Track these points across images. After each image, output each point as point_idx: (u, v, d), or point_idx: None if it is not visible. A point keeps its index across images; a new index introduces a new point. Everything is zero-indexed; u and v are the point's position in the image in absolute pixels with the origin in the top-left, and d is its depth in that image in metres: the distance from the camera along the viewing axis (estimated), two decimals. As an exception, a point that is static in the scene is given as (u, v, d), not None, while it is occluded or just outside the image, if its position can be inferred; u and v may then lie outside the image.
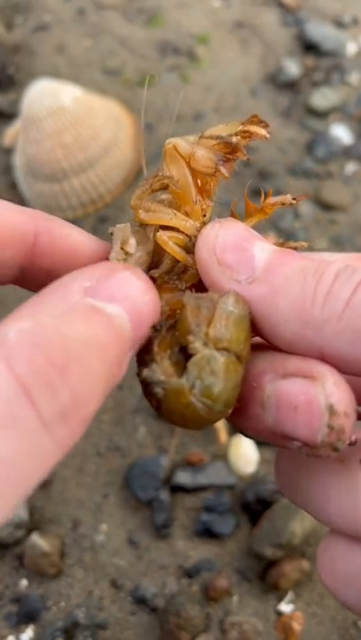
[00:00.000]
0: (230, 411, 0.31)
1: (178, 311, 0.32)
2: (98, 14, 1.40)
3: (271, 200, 0.35)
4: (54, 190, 1.08)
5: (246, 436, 0.33)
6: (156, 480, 0.83)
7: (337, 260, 0.30)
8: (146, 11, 1.41)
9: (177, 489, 0.83)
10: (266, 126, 0.33)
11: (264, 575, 0.78)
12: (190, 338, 0.30)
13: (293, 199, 0.34)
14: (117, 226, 0.33)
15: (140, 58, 1.32)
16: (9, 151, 1.18)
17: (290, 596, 0.77)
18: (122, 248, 0.32)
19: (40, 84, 1.11)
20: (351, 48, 1.37)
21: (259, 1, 1.46)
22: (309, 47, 1.35)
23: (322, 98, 1.26)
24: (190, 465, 0.85)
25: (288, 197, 0.34)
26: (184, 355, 0.31)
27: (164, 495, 0.82)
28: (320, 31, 1.36)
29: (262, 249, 0.31)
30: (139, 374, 0.32)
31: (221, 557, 0.80)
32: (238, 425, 0.32)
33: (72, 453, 0.87)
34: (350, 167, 1.18)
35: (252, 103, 1.26)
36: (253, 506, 0.81)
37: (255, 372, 0.30)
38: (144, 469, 0.84)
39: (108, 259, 0.32)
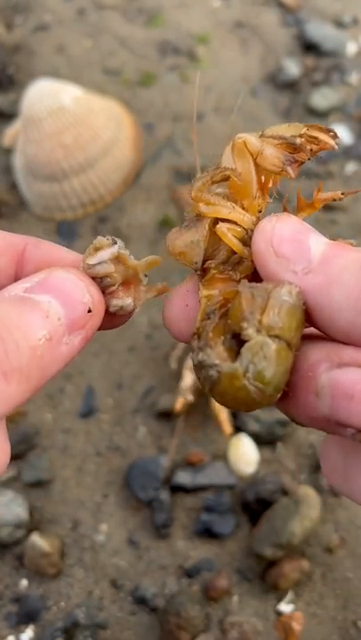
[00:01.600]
0: (279, 395, 0.32)
1: (230, 300, 0.34)
2: (98, 14, 1.40)
3: (323, 195, 0.36)
4: (54, 190, 1.08)
5: (298, 423, 0.34)
6: (156, 480, 0.83)
7: None
8: (146, 11, 1.41)
9: (177, 489, 0.83)
10: (334, 137, 0.34)
11: (264, 575, 0.78)
12: (244, 325, 0.32)
13: (342, 194, 0.36)
14: (98, 237, 0.35)
15: (140, 58, 1.32)
16: (9, 151, 1.18)
17: (290, 596, 0.77)
18: (84, 259, 0.34)
19: (40, 84, 1.11)
20: (351, 48, 1.37)
21: (259, 1, 1.46)
22: (309, 47, 1.35)
23: (322, 98, 1.26)
24: (190, 465, 0.85)
25: (338, 193, 0.36)
26: (237, 341, 0.33)
27: (164, 495, 0.82)
28: (320, 31, 1.36)
29: (318, 241, 0.33)
30: (193, 359, 0.34)
31: (221, 557, 0.80)
32: (292, 413, 0.33)
33: (72, 453, 0.87)
34: (350, 167, 1.18)
35: (252, 103, 1.26)
36: (253, 506, 0.81)
37: (311, 362, 0.32)
38: (144, 469, 0.84)
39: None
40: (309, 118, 1.24)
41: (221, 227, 0.35)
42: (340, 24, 1.41)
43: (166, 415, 0.89)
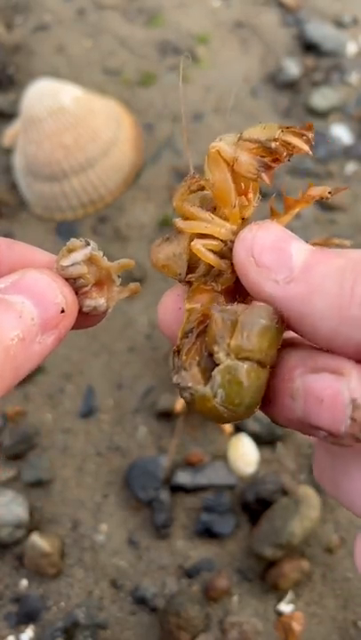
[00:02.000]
0: (256, 410, 0.33)
1: (208, 317, 0.34)
2: (98, 14, 1.40)
3: (312, 191, 0.36)
4: (54, 190, 1.08)
5: (278, 424, 0.34)
6: (156, 480, 0.83)
7: None
8: (146, 11, 1.41)
9: (177, 489, 0.83)
10: (308, 141, 0.35)
11: (264, 575, 0.78)
12: (215, 348, 0.32)
13: (329, 192, 0.36)
14: (71, 239, 0.36)
15: (140, 58, 1.32)
16: (9, 151, 1.18)
17: (290, 596, 0.77)
18: (58, 260, 0.35)
19: (40, 84, 1.11)
20: (351, 48, 1.37)
21: (259, 1, 1.46)
22: (309, 47, 1.35)
23: (322, 98, 1.26)
24: (190, 465, 0.85)
25: (326, 192, 0.36)
26: (212, 361, 0.33)
27: (164, 495, 0.82)
28: (320, 31, 1.36)
29: (300, 249, 0.32)
30: (171, 377, 0.34)
31: (221, 557, 0.80)
32: (271, 414, 0.34)
33: (72, 453, 0.87)
34: (350, 167, 1.18)
35: (252, 103, 1.26)
36: (253, 506, 0.81)
37: (288, 367, 0.32)
38: (144, 469, 0.84)
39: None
40: (309, 118, 1.24)
41: (196, 243, 0.35)
42: (340, 24, 1.41)
43: (166, 415, 0.89)
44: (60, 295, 0.34)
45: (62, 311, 0.33)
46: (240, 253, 0.33)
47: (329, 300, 0.30)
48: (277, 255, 0.32)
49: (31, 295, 0.33)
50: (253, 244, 0.33)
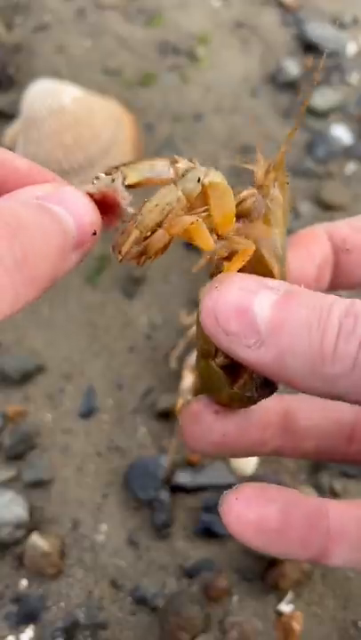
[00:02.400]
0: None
1: None
2: (98, 14, 1.40)
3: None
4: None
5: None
6: (156, 480, 0.83)
7: (337, 304, 0.31)
8: (146, 11, 1.41)
9: (177, 489, 0.83)
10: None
11: (264, 575, 0.78)
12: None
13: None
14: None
15: (140, 58, 1.32)
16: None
17: (290, 596, 0.77)
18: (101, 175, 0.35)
19: (40, 84, 1.11)
20: (351, 48, 1.37)
21: (259, 1, 1.46)
22: (309, 47, 1.35)
23: (322, 98, 1.26)
24: (190, 465, 0.85)
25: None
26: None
27: (164, 495, 0.82)
28: (320, 31, 1.36)
29: (262, 306, 0.32)
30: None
31: (221, 557, 0.80)
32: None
33: (72, 453, 0.87)
34: (350, 167, 1.18)
35: (252, 103, 1.26)
36: (253, 506, 0.81)
37: None
38: (144, 469, 0.84)
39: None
40: (309, 118, 1.24)
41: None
42: (340, 24, 1.41)
43: (166, 415, 0.89)
44: (95, 216, 0.33)
45: (94, 233, 0.33)
46: (208, 325, 0.33)
47: (301, 361, 0.30)
48: (242, 320, 0.32)
49: (73, 211, 0.32)
50: (217, 313, 0.32)
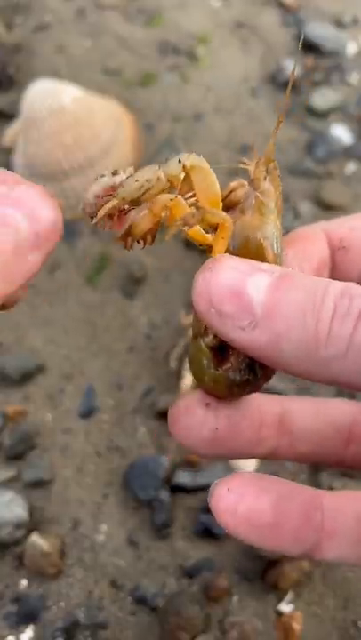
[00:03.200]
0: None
1: None
2: (98, 14, 1.40)
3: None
4: (54, 190, 1.08)
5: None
6: (156, 480, 0.83)
7: (332, 286, 0.30)
8: (146, 11, 1.41)
9: (177, 489, 0.83)
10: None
11: (264, 575, 0.78)
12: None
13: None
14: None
15: (140, 58, 1.32)
16: (9, 151, 1.18)
17: (290, 596, 0.77)
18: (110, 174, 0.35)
19: (40, 84, 1.11)
20: (351, 48, 1.37)
21: (259, 1, 1.46)
22: (309, 47, 1.35)
23: (322, 98, 1.26)
24: (190, 465, 0.85)
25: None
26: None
27: (164, 495, 0.82)
28: (320, 31, 1.36)
29: (257, 287, 0.31)
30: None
31: (221, 557, 0.80)
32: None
33: (72, 453, 0.87)
34: (350, 167, 1.18)
35: (252, 103, 1.26)
36: (253, 506, 0.81)
37: None
38: (144, 469, 0.84)
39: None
40: (309, 118, 1.24)
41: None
42: (340, 24, 1.41)
43: (166, 415, 0.89)
44: (53, 214, 0.32)
45: (50, 228, 0.32)
46: (200, 305, 0.32)
47: (296, 344, 0.30)
48: (237, 302, 0.31)
49: (25, 211, 0.31)
50: (210, 294, 0.32)
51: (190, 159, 0.35)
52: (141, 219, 0.35)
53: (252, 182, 0.38)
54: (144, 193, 0.34)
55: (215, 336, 0.36)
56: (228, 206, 0.37)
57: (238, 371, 0.36)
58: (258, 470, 0.85)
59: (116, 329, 0.99)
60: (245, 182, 0.38)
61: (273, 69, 1.31)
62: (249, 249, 0.36)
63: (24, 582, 0.78)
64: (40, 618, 0.76)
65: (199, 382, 0.39)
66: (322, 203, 1.12)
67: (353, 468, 0.46)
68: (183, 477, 0.84)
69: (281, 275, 0.32)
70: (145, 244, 0.36)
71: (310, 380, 0.31)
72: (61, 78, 1.19)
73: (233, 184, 0.38)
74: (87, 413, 0.91)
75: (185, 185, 0.35)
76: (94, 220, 0.35)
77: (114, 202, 0.34)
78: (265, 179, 0.37)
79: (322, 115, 1.25)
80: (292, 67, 1.29)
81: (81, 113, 1.08)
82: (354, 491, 0.42)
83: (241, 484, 0.39)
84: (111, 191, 0.35)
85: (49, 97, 1.07)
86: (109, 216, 0.35)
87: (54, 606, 0.77)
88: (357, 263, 0.41)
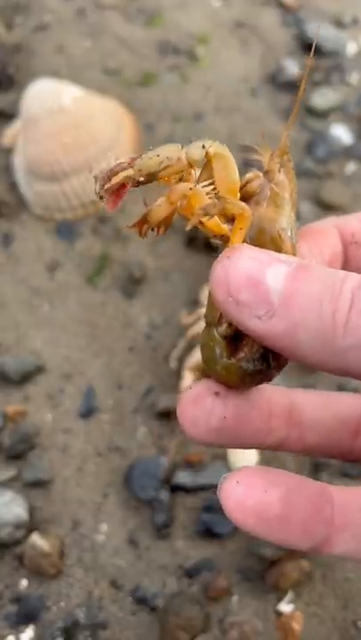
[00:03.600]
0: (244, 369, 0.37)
1: None
2: (98, 14, 1.40)
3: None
4: (54, 190, 1.08)
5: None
6: (156, 480, 0.83)
7: (350, 277, 0.31)
8: (146, 11, 1.41)
9: (177, 489, 0.83)
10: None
11: (264, 575, 0.78)
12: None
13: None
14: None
15: (140, 58, 1.32)
16: (9, 151, 1.18)
17: (290, 595, 0.77)
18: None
19: (40, 84, 1.11)
20: (351, 48, 1.37)
21: (259, 1, 1.46)
22: (309, 47, 1.35)
23: (322, 98, 1.26)
24: (190, 465, 0.85)
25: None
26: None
27: (164, 495, 0.82)
28: (320, 31, 1.36)
29: (275, 277, 0.32)
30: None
31: (221, 557, 0.80)
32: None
33: (72, 453, 0.87)
34: (350, 167, 1.18)
35: (252, 103, 1.26)
36: (253, 506, 0.81)
37: None
38: (144, 469, 0.84)
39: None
40: (309, 118, 1.24)
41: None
42: (340, 24, 1.41)
43: (166, 415, 0.89)
44: None
45: None
46: (218, 294, 0.32)
47: (313, 333, 0.30)
48: (255, 291, 0.31)
49: None
50: (229, 283, 0.32)
51: (214, 146, 0.34)
52: (158, 207, 0.35)
53: (266, 174, 0.38)
54: (162, 169, 0.34)
55: (230, 325, 0.36)
56: (244, 197, 0.37)
57: (252, 361, 0.36)
58: (258, 470, 0.85)
59: (117, 329, 0.99)
60: (260, 174, 0.38)
61: (273, 69, 1.31)
62: (265, 240, 0.36)
63: (24, 582, 0.78)
64: (40, 618, 0.76)
65: (211, 371, 0.38)
66: (322, 203, 1.12)
67: (360, 461, 0.46)
68: (183, 477, 0.84)
69: (299, 265, 0.32)
70: (158, 232, 0.36)
71: (325, 371, 0.32)
72: (61, 78, 1.19)
73: (248, 175, 0.38)
74: (87, 413, 0.91)
75: (205, 172, 0.35)
76: (106, 186, 0.34)
77: (130, 171, 0.34)
78: (279, 171, 0.37)
79: (322, 115, 1.25)
80: (291, 67, 1.29)
81: (81, 113, 1.08)
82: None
83: (250, 478, 0.38)
84: (130, 162, 0.34)
85: (49, 97, 1.07)
86: (117, 190, 0.35)
87: (54, 606, 0.77)
88: None
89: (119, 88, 1.27)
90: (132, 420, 0.90)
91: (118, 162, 0.34)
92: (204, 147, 0.34)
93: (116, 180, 0.34)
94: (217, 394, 0.38)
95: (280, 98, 1.27)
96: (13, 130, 1.17)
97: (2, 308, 0.99)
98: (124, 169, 0.34)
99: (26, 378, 0.93)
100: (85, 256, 1.06)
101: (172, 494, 0.83)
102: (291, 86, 1.28)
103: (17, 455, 0.86)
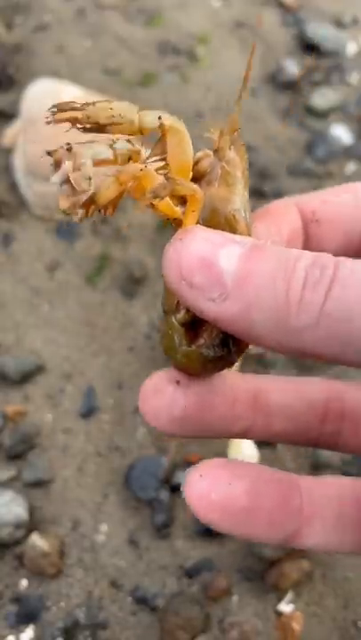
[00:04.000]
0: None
1: None
2: (98, 14, 1.40)
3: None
4: (54, 190, 1.08)
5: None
6: (156, 480, 0.83)
7: (303, 255, 0.30)
8: (146, 11, 1.41)
9: (177, 489, 0.83)
10: None
11: (264, 575, 0.78)
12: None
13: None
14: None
15: (140, 58, 1.32)
16: (9, 151, 1.18)
17: (290, 596, 0.77)
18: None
19: (40, 84, 1.11)
20: (351, 48, 1.37)
21: (259, 1, 1.46)
22: (309, 47, 1.35)
23: (322, 98, 1.26)
24: (190, 465, 0.85)
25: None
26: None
27: (164, 495, 0.82)
28: (320, 31, 1.36)
29: (229, 258, 0.31)
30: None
31: (221, 557, 0.80)
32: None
33: (72, 453, 0.87)
34: (350, 167, 1.18)
35: (251, 103, 1.26)
36: (253, 506, 0.81)
37: None
38: (144, 469, 0.84)
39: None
40: (309, 118, 1.24)
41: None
42: (340, 24, 1.41)
43: (166, 415, 0.89)
44: None
45: None
46: (171, 277, 0.32)
47: (267, 314, 0.29)
48: (207, 273, 0.31)
49: None
50: (181, 266, 0.31)
51: (171, 119, 0.33)
52: (106, 187, 0.33)
53: (216, 152, 0.36)
54: (111, 124, 0.33)
55: (187, 311, 0.35)
56: (195, 177, 0.36)
57: (212, 347, 0.36)
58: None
59: (116, 329, 0.99)
60: (210, 152, 0.37)
61: (273, 69, 1.31)
62: (219, 221, 0.35)
63: (24, 582, 0.78)
64: (40, 618, 0.76)
65: (172, 360, 0.37)
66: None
67: (328, 447, 0.44)
68: (183, 477, 0.83)
69: (253, 246, 0.31)
70: (105, 213, 0.34)
71: (281, 353, 0.31)
72: (61, 78, 1.19)
73: (198, 154, 0.36)
74: (87, 413, 0.91)
75: (159, 146, 0.34)
76: (49, 120, 0.33)
77: (77, 113, 0.33)
78: (230, 148, 0.36)
79: (322, 115, 1.25)
80: (291, 67, 1.29)
81: (81, 113, 1.08)
82: (333, 475, 0.41)
83: (213, 470, 0.37)
84: (83, 105, 0.32)
85: (49, 97, 1.07)
86: (86, 205, 0.33)
87: (54, 606, 0.77)
88: (330, 236, 0.40)
89: (119, 88, 1.27)
90: (132, 419, 0.90)
91: (71, 101, 0.34)
92: (160, 118, 0.33)
93: (60, 116, 0.33)
94: (178, 382, 0.37)
95: (280, 98, 1.27)
96: (13, 130, 1.17)
97: (2, 307, 0.99)
98: (73, 109, 0.33)
99: (26, 378, 0.93)
100: (85, 256, 1.06)
101: (172, 494, 0.83)
102: (290, 86, 1.29)
103: (17, 455, 0.86)
